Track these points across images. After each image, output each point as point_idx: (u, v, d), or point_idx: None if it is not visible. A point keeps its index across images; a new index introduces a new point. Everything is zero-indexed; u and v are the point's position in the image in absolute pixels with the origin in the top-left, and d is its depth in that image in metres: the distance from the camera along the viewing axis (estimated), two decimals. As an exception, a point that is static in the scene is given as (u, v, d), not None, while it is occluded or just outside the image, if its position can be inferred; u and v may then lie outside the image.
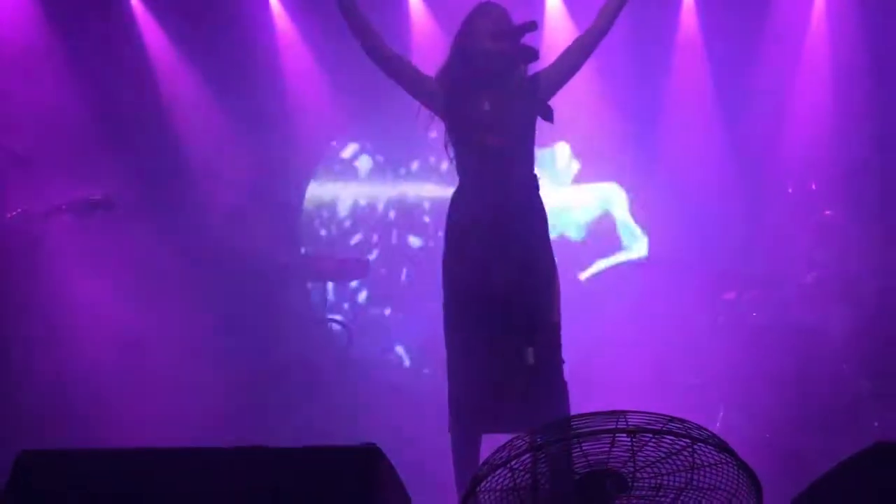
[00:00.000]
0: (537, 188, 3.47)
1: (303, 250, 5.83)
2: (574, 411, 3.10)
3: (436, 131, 3.59)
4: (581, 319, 5.85)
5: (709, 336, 5.11)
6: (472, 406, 3.30)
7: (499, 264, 3.33)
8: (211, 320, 4.87)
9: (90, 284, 4.60)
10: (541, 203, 3.45)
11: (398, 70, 3.51)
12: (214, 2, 5.90)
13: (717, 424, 4.78)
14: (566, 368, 3.36)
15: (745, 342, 4.91)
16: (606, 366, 5.77)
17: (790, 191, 5.52)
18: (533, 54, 3.36)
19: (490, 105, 3.40)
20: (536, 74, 3.47)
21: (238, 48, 5.94)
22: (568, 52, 3.49)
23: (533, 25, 3.30)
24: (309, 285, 5.72)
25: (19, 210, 4.46)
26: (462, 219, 3.43)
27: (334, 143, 6.43)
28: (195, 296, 4.85)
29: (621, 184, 6.41)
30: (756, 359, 4.83)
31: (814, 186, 5.41)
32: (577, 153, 6.40)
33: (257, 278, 5.10)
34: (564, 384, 3.31)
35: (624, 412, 2.00)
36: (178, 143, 5.79)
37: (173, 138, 5.79)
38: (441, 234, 3.56)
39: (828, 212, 5.20)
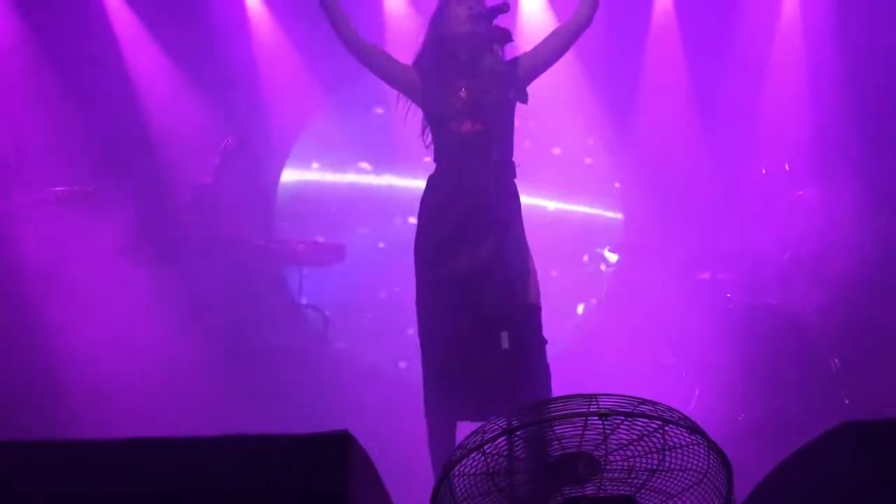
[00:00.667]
0: (513, 174, 3.45)
1: (278, 234, 5.79)
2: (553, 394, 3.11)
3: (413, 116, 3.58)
4: (556, 302, 5.87)
5: (684, 316, 5.13)
6: (447, 391, 3.30)
7: (470, 249, 3.33)
8: (184, 306, 4.84)
9: (61, 271, 4.56)
10: (515, 189, 3.45)
11: (373, 59, 3.50)
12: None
13: (693, 405, 4.81)
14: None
15: (720, 322, 4.94)
16: (582, 348, 5.80)
17: (764, 171, 5.55)
18: (506, 35, 3.36)
19: (466, 90, 3.39)
20: (516, 59, 3.46)
21: (213, 33, 5.91)
22: (549, 39, 3.48)
23: (505, 7, 3.31)
24: (284, 270, 5.69)
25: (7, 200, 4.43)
26: (436, 203, 3.43)
27: (309, 125, 6.40)
28: (167, 281, 4.82)
29: (596, 165, 6.42)
30: (730, 339, 4.87)
31: (787, 167, 5.44)
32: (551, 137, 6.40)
33: (231, 263, 5.07)
34: (546, 366, 3.30)
35: (596, 395, 2.00)
36: (149, 128, 5.76)
37: (145, 123, 5.76)
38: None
39: (801, 192, 5.23)
